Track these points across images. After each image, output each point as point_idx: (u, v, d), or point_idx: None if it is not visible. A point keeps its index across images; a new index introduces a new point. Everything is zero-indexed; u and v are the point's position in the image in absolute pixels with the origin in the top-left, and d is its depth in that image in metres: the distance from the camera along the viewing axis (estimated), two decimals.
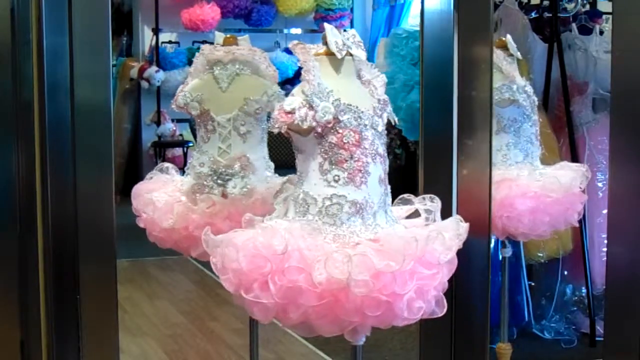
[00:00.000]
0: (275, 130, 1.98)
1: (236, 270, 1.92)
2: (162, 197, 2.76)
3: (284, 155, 3.61)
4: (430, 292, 1.97)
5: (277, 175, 2.81)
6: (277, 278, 1.87)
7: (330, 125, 1.99)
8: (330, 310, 1.88)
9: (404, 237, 1.95)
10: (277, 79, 2.85)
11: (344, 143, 2.00)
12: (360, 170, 2.01)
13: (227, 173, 2.74)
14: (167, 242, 2.73)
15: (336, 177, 2.00)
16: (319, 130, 1.98)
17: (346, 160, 2.00)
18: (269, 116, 2.75)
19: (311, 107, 1.96)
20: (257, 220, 2.09)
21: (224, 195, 2.72)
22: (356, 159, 2.01)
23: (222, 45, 2.81)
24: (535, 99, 3.23)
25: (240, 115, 2.75)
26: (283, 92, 2.81)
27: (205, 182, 2.74)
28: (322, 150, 2.01)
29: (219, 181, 2.73)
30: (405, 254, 1.89)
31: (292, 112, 1.95)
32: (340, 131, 2.00)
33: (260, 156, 2.79)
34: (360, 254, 1.89)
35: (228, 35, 2.86)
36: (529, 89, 3.20)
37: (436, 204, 2.15)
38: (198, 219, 2.65)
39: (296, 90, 2.01)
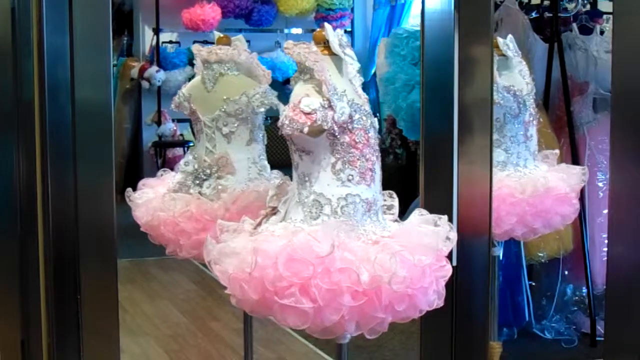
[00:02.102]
0: (296, 133, 1.95)
1: (271, 278, 1.87)
2: (145, 195, 2.76)
3: (283, 155, 3.60)
4: (441, 283, 2.03)
5: (267, 177, 2.76)
6: (320, 280, 1.85)
7: (344, 126, 1.99)
8: (361, 309, 1.88)
9: (427, 233, 2.00)
10: (270, 79, 2.79)
11: (356, 143, 2.00)
12: (370, 169, 2.03)
13: (205, 173, 2.71)
14: (154, 238, 2.74)
15: (350, 177, 2.00)
16: (335, 130, 1.98)
17: (358, 159, 2.01)
18: (270, 117, 2.72)
19: (331, 108, 1.95)
20: (229, 225, 2.07)
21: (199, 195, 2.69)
22: (366, 157, 2.02)
23: (216, 45, 2.79)
24: (530, 98, 3.19)
25: (221, 116, 2.71)
26: (275, 93, 2.77)
27: (185, 182, 2.73)
28: (335, 150, 2.00)
29: (196, 181, 2.71)
30: (433, 248, 1.96)
31: (312, 113, 1.93)
32: (353, 131, 2.00)
33: (244, 157, 2.73)
34: (401, 251, 1.91)
35: (221, 35, 2.84)
36: (522, 88, 3.14)
37: (395, 199, 2.16)
38: (165, 217, 2.64)
39: (307, 90, 1.98)
